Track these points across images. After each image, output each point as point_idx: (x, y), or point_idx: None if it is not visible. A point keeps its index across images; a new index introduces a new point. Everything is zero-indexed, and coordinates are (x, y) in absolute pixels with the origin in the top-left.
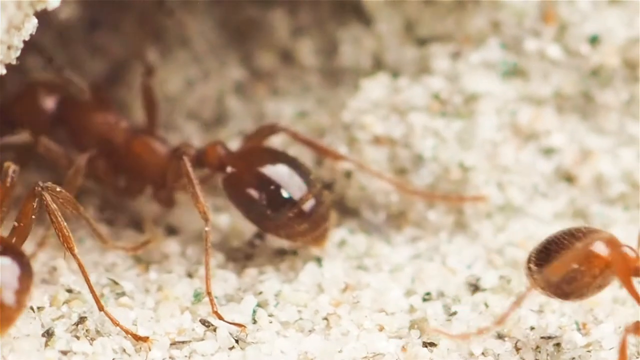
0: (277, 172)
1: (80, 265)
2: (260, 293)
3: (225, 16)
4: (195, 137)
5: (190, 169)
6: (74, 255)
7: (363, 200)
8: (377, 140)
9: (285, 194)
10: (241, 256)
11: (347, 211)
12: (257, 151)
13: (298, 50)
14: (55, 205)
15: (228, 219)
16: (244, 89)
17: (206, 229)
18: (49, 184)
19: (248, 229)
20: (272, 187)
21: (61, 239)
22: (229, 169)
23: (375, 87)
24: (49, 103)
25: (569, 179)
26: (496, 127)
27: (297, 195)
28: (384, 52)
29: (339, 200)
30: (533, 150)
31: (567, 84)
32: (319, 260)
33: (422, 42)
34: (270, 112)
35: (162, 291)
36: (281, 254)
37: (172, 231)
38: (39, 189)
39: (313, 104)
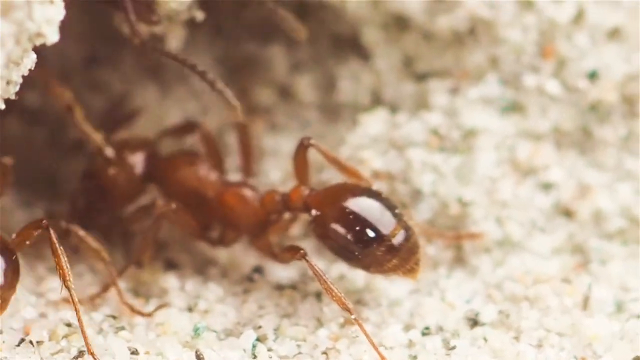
0: (364, 208)
1: (74, 304)
2: (260, 327)
3: (224, 52)
4: None
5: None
6: (70, 293)
7: None
8: (376, 175)
9: (374, 230)
10: (240, 290)
11: None
12: (340, 189)
13: (296, 85)
14: (56, 242)
15: (227, 253)
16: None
17: (352, 316)
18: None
19: (247, 263)
20: (360, 224)
21: (59, 273)
22: (314, 212)
23: (373, 123)
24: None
25: (568, 214)
26: (495, 162)
27: (386, 230)
28: (383, 87)
29: None
30: (531, 185)
31: (565, 120)
32: (318, 295)
33: (420, 77)
34: (269, 147)
35: (162, 325)
36: (280, 288)
37: (170, 265)
38: (45, 223)
39: None
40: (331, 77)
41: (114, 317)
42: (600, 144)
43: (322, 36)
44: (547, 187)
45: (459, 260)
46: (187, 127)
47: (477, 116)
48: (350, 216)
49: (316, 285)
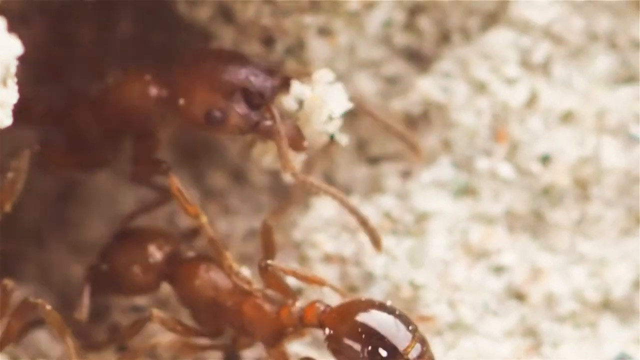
0: (379, 324)
1: None
2: None
3: (177, 136)
4: None
5: None
6: None
7: None
8: (328, 258)
9: (389, 346)
10: None
11: None
12: (354, 306)
13: (249, 169)
14: None
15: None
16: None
17: None
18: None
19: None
20: (374, 340)
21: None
22: (327, 331)
23: (326, 206)
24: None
25: (520, 297)
26: (447, 245)
27: (402, 346)
28: (335, 170)
29: None
30: (484, 268)
31: (518, 203)
32: None
33: (373, 161)
34: (222, 230)
35: None
36: None
37: (121, 347)
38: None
39: None
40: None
41: None
42: (553, 228)
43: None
44: (499, 270)
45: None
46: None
47: (429, 199)
48: (364, 333)
49: None
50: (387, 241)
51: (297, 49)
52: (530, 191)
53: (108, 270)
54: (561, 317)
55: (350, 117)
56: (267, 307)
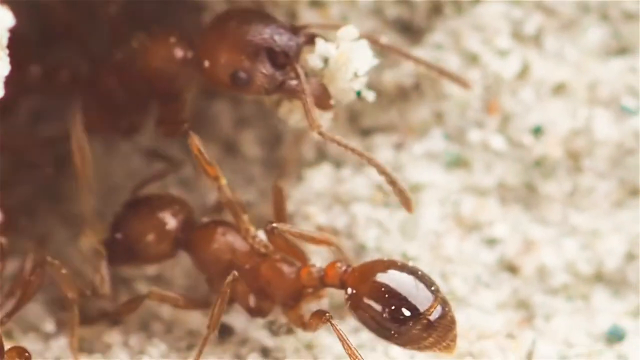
0: (400, 284)
1: None
2: None
3: None
4: None
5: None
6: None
7: None
8: (320, 231)
9: (410, 307)
10: (184, 346)
11: None
12: (376, 266)
13: (241, 141)
14: None
15: (171, 310)
16: (188, 180)
17: None
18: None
19: (191, 319)
20: (396, 301)
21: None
22: (349, 290)
23: (318, 178)
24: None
25: (512, 269)
26: (439, 217)
27: (423, 307)
28: (327, 142)
29: None
30: (476, 240)
31: (510, 175)
32: (264, 350)
33: (365, 132)
34: (214, 202)
35: None
36: (225, 342)
37: (114, 320)
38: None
39: (256, 195)
40: (276, 133)
41: None
42: (545, 200)
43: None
44: (491, 242)
45: None
46: None
47: (421, 171)
48: (386, 293)
49: (261, 340)
50: (379, 213)
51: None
52: (522, 163)
53: (122, 239)
54: (553, 289)
55: None
56: (286, 268)
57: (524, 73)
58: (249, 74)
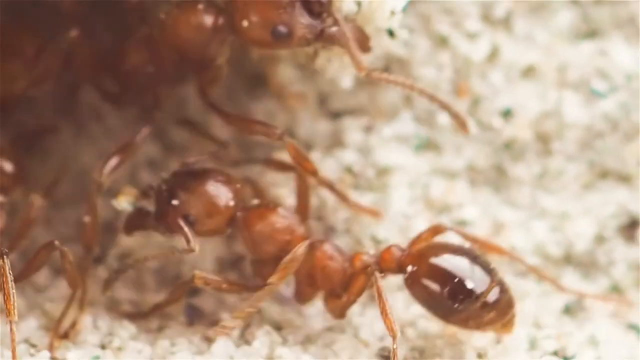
0: (459, 266)
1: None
2: None
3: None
4: (108, 211)
5: (381, 285)
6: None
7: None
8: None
9: (469, 287)
10: (154, 327)
11: None
12: (434, 247)
13: (211, 123)
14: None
15: (137, 291)
16: (157, 163)
17: (394, 346)
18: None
19: (159, 299)
20: (455, 281)
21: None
22: (409, 268)
23: (288, 160)
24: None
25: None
26: (409, 200)
27: (481, 288)
28: (297, 125)
29: None
30: (445, 223)
31: (479, 158)
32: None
33: (335, 115)
34: None
35: None
36: (194, 324)
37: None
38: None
39: None
40: (245, 114)
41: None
42: (515, 182)
43: (237, 74)
44: (461, 224)
45: (373, 297)
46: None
47: (391, 154)
48: (444, 275)
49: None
50: (348, 195)
51: None
52: (491, 146)
53: (179, 208)
54: (523, 271)
55: (311, 72)
56: (340, 254)
57: (493, 56)
58: (289, 27)
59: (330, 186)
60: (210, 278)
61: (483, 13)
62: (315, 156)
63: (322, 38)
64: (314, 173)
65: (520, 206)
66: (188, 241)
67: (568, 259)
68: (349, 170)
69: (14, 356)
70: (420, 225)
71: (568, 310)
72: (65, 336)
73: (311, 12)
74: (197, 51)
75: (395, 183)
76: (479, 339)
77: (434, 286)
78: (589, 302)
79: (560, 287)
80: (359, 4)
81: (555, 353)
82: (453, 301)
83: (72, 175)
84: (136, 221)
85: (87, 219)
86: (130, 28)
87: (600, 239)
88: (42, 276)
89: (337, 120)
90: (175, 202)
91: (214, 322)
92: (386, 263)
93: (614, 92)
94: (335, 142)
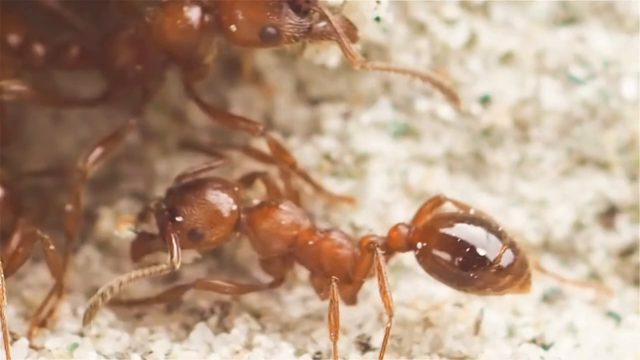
0: (469, 234)
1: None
2: (151, 352)
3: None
4: (86, 199)
5: (382, 262)
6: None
7: (253, 259)
8: None
9: (481, 255)
10: (132, 315)
11: (237, 270)
12: (441, 219)
13: (189, 110)
14: None
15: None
16: (135, 150)
17: (388, 325)
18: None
19: (138, 288)
20: (467, 251)
21: None
22: (419, 245)
23: (266, 147)
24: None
25: None
26: (387, 187)
27: (493, 254)
28: (275, 112)
29: (229, 259)
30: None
31: (458, 144)
32: (212, 320)
33: (313, 102)
34: (161, 172)
35: (52, 352)
36: (172, 311)
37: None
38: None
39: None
40: (223, 102)
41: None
42: (493, 169)
43: (215, 60)
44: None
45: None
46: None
47: (369, 141)
48: (454, 245)
49: (209, 310)
50: (326, 182)
51: None
52: (470, 132)
53: (184, 224)
54: None
55: (289, 58)
56: (347, 241)
57: (471, 42)
58: (277, 28)
59: (306, 177)
60: (214, 283)
61: None
62: (293, 143)
63: (311, 35)
64: (293, 166)
65: (499, 193)
66: (172, 256)
67: (546, 246)
68: (327, 157)
69: (5, 340)
70: (399, 211)
71: (546, 298)
72: (43, 324)
73: (298, 10)
74: (184, 52)
75: (374, 170)
76: (457, 326)
77: (447, 258)
78: (568, 290)
79: (541, 269)
80: None
81: (533, 341)
82: (467, 271)
83: (50, 163)
84: (142, 246)
85: (69, 207)
86: (119, 27)
87: (578, 226)
88: None
89: (316, 106)
90: (179, 218)
91: (193, 310)
92: (395, 242)
93: (592, 79)
94: (314, 129)
